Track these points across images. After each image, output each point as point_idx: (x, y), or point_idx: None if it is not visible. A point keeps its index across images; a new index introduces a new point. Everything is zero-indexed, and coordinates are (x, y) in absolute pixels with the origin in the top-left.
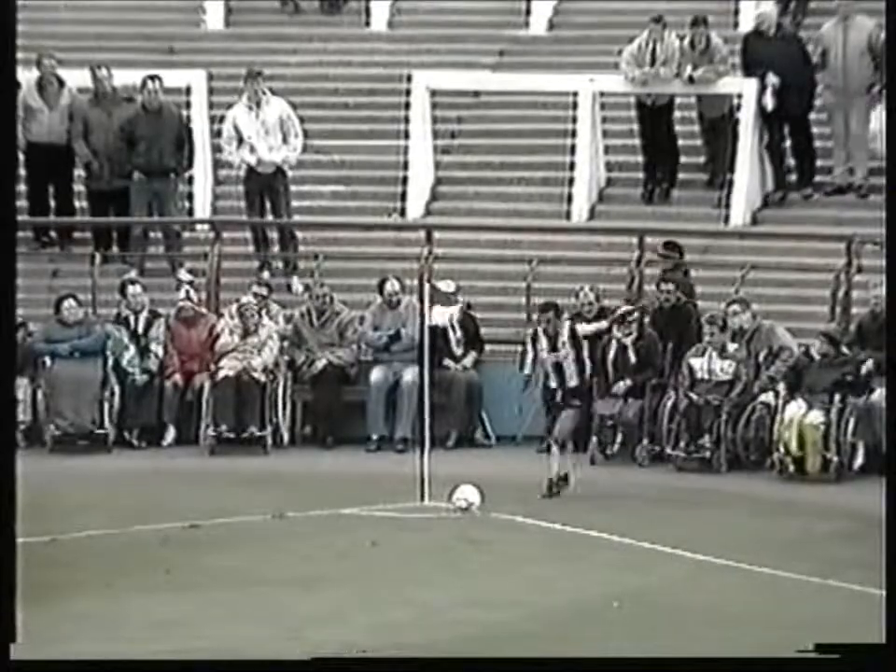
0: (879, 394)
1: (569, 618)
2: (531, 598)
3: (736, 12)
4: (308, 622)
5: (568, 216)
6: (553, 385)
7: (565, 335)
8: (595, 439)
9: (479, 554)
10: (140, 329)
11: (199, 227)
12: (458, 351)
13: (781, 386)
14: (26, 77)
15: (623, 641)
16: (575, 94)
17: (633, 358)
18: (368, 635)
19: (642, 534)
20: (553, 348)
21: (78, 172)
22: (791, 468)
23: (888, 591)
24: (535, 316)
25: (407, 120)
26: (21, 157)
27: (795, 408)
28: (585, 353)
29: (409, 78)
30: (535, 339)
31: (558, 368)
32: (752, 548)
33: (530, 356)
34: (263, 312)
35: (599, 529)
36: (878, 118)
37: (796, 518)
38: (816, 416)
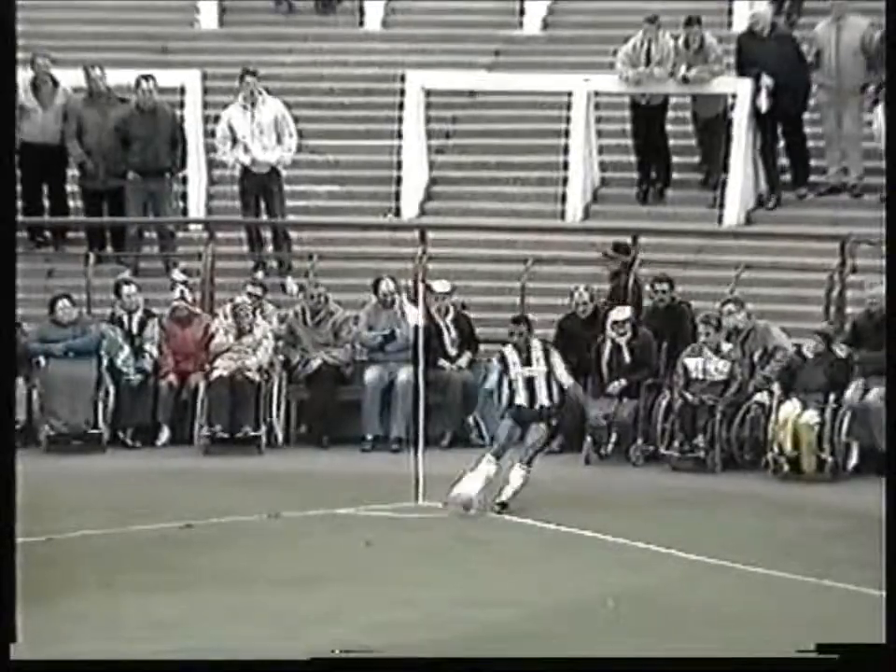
0: (874, 394)
1: (568, 618)
2: (529, 598)
3: (730, 12)
4: (306, 622)
5: (563, 215)
6: (522, 401)
7: (538, 351)
8: (589, 438)
9: (476, 554)
10: (134, 329)
11: (193, 227)
12: (453, 351)
13: (776, 386)
14: (21, 76)
15: (621, 642)
16: (569, 94)
17: (627, 358)
18: (366, 635)
19: (638, 534)
20: (526, 363)
21: (72, 172)
22: (786, 467)
23: (888, 591)
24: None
25: (402, 120)
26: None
27: (790, 408)
28: (558, 371)
29: (403, 78)
30: (503, 355)
31: (529, 384)
32: (748, 548)
33: (496, 371)
34: (258, 312)
35: (595, 530)
36: (878, 117)
37: (792, 518)
38: (810, 416)
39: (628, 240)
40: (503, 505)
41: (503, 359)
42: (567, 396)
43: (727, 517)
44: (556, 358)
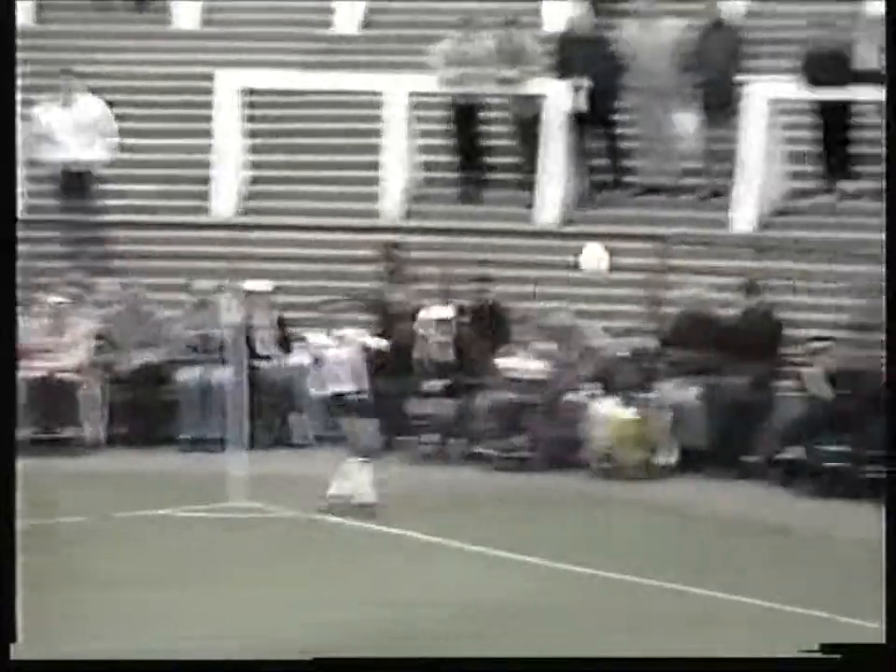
0: (691, 392)
1: (413, 621)
2: (368, 600)
3: (546, 13)
4: (144, 623)
5: (382, 215)
6: (339, 389)
7: (345, 335)
8: (410, 438)
9: (307, 556)
10: None
11: None
12: (272, 351)
13: (594, 385)
14: None
15: (459, 643)
16: (387, 94)
17: (448, 357)
18: (212, 635)
19: (469, 535)
20: (333, 346)
21: None
22: (605, 465)
23: (887, 591)
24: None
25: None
26: None
27: (608, 406)
28: (363, 339)
29: (216, 77)
30: (308, 339)
31: (339, 369)
32: (583, 547)
33: (303, 353)
34: (76, 311)
35: (423, 531)
36: (689, 119)
37: (612, 515)
38: (628, 414)
39: (402, 237)
40: (339, 503)
41: (310, 344)
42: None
43: (552, 516)
44: (361, 334)
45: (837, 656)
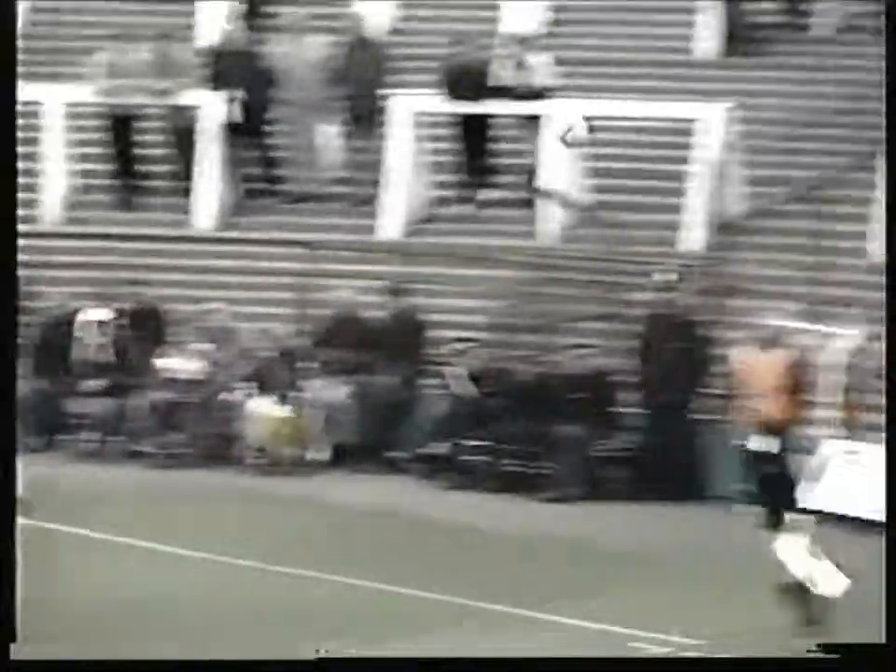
0: (343, 391)
1: (74, 614)
2: (29, 595)
3: (199, 27)
4: None
5: (40, 221)
6: None
7: None
8: (70, 437)
9: None
10: None
11: None
12: None
13: (249, 384)
14: None
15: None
16: (44, 104)
17: (107, 358)
18: None
19: (123, 530)
20: None
21: None
22: (260, 461)
23: (887, 591)
24: None
25: None
26: None
27: (263, 404)
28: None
29: None
30: None
31: None
32: (233, 541)
33: None
34: None
35: (80, 527)
36: (336, 130)
37: (266, 510)
38: (282, 411)
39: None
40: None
41: None
42: None
43: (213, 511)
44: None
45: (837, 656)
